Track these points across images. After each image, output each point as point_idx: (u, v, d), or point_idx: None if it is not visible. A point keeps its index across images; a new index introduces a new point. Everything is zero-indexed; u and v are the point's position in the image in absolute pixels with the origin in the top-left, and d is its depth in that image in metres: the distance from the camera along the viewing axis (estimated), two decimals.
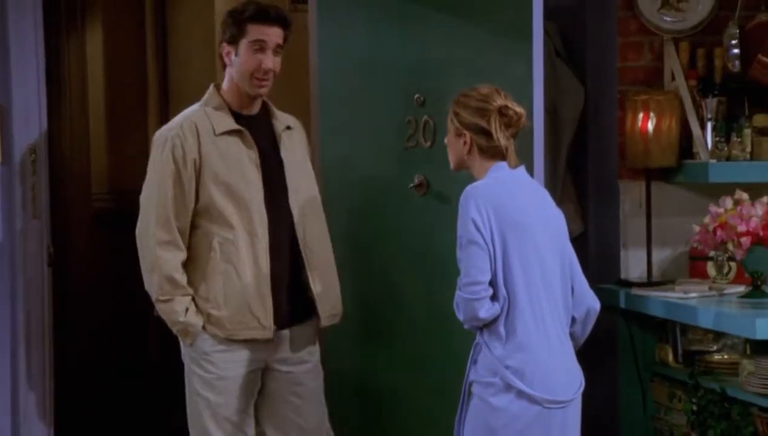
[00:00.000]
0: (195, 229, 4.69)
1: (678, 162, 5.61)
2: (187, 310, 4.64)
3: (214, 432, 4.71)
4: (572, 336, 4.60)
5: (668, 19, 5.94)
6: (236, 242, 4.64)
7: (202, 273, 4.67)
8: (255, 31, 4.62)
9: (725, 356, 5.22)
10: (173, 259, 4.65)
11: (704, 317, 4.91)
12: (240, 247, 4.64)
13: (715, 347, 5.31)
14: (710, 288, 5.26)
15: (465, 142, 4.62)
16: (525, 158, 4.88)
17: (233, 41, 4.65)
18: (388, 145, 5.53)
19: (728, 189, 5.15)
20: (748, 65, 5.70)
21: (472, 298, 4.47)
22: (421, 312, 5.40)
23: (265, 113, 4.80)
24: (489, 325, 4.47)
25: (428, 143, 5.40)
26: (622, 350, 5.61)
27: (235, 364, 4.69)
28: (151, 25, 8.19)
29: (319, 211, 4.86)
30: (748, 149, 5.58)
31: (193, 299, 4.68)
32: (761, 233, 4.97)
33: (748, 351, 4.93)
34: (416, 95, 5.39)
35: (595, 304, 4.64)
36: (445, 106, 4.75)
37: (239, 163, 4.66)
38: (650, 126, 5.79)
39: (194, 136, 4.63)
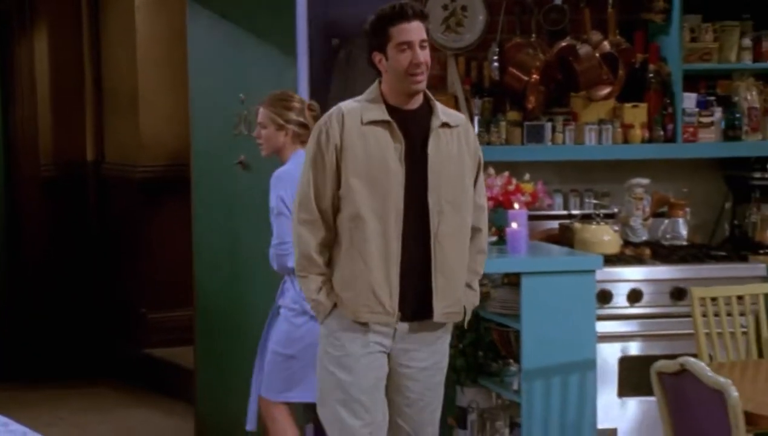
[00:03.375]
0: (339, 213, 4.39)
1: None
2: (320, 289, 4.38)
3: (341, 410, 4.39)
4: None
5: (449, 38, 6.42)
6: (365, 230, 4.32)
7: (338, 256, 4.41)
8: (398, 34, 4.32)
9: (488, 289, 5.72)
10: (311, 239, 4.36)
11: None
12: (369, 234, 4.32)
13: (486, 281, 5.79)
14: None
15: (286, 134, 5.35)
16: None
17: (381, 48, 4.37)
18: (227, 132, 6.36)
19: (490, 166, 5.64)
20: (505, 75, 6.23)
21: (282, 253, 5.24)
22: (251, 252, 6.10)
23: (427, 109, 4.44)
24: (288, 271, 5.24)
25: (247, 132, 6.07)
26: None
27: (360, 344, 4.38)
28: (87, 30, 8.69)
29: (462, 210, 4.44)
30: (504, 137, 6.17)
31: (331, 279, 4.41)
32: (500, 198, 5.68)
33: (506, 282, 5.62)
34: (240, 95, 6.17)
35: None
36: (253, 104, 5.52)
37: (382, 153, 4.33)
38: None
39: (340, 124, 4.33)
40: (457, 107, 6.23)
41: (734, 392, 4.13)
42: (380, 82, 4.40)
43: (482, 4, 6.44)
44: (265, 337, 5.47)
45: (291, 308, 5.34)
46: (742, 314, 5.37)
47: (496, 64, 6.30)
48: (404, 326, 4.40)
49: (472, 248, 4.52)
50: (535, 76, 6.16)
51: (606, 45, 6.27)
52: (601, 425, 5.78)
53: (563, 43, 6.28)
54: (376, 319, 4.35)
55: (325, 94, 6.44)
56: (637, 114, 6.39)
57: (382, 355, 4.41)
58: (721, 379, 4.16)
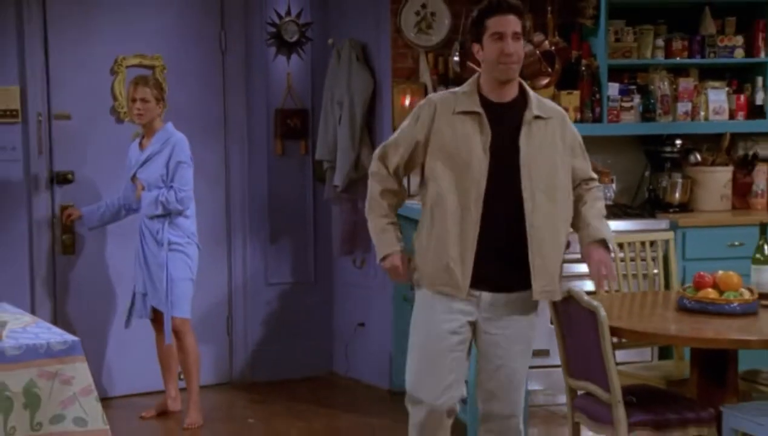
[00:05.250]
0: (426, 186, 4.42)
1: None
2: (383, 230, 4.42)
3: (420, 365, 4.46)
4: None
5: (421, 38, 6.79)
6: (445, 209, 4.31)
7: (421, 237, 4.44)
8: (493, 25, 4.29)
9: None
10: (376, 186, 4.43)
11: None
12: (448, 214, 4.30)
13: None
14: None
15: (161, 107, 6.10)
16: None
17: (478, 39, 4.34)
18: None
19: None
20: (464, 69, 6.50)
21: (190, 197, 6.10)
22: None
23: (522, 102, 4.37)
24: (181, 212, 6.16)
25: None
26: None
27: (444, 310, 4.40)
28: None
29: (555, 198, 4.37)
30: None
31: (394, 226, 4.44)
32: None
33: None
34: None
35: None
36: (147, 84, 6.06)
37: (468, 142, 4.28)
38: (407, 103, 6.72)
39: (433, 109, 4.33)
40: (426, 92, 6.67)
41: (603, 312, 4.63)
42: (479, 76, 4.39)
43: (447, 11, 6.86)
44: (164, 267, 6.17)
45: (183, 241, 6.20)
46: (633, 260, 6.05)
47: (457, 59, 6.69)
48: (487, 297, 4.42)
49: (589, 196, 4.54)
50: None
51: (546, 44, 6.72)
52: (537, 347, 5.98)
53: None
54: (449, 290, 4.36)
55: (321, 85, 7.15)
56: (571, 99, 6.83)
57: (465, 321, 4.42)
58: (594, 302, 4.65)
